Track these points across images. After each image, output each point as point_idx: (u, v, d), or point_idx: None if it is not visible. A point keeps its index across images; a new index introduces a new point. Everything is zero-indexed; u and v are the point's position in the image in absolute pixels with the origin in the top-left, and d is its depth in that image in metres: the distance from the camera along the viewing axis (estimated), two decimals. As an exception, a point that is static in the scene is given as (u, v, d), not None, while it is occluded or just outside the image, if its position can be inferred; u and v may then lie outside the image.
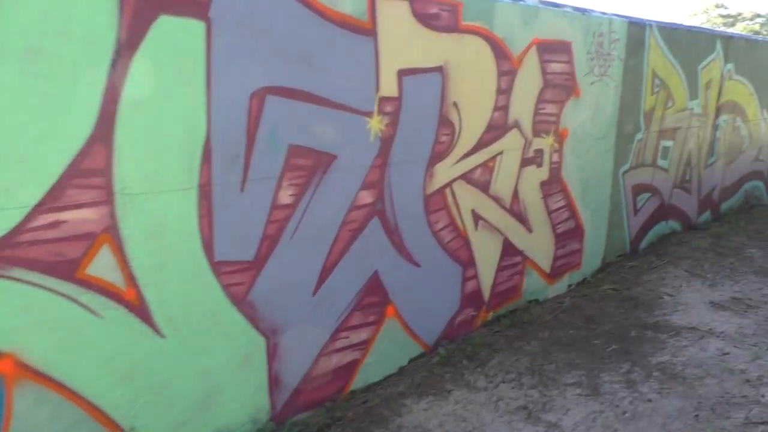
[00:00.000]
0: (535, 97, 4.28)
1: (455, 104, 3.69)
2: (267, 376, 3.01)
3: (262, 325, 2.96)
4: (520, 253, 4.47)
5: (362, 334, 3.46)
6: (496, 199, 4.16)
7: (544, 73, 4.29)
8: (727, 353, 3.85)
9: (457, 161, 3.81)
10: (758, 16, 35.32)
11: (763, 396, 3.40)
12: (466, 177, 3.89)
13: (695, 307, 4.70)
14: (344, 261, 3.28)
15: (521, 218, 4.41)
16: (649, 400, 3.38)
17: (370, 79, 3.19)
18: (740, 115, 7.31)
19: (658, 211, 6.13)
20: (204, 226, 2.64)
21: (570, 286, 5.09)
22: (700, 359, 3.81)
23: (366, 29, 3.10)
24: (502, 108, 4.02)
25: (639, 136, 5.55)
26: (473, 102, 3.81)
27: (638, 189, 5.74)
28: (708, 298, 4.88)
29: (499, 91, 3.97)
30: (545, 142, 4.46)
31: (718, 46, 6.48)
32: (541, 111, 4.36)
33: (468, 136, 3.83)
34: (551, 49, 4.31)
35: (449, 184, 3.79)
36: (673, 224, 6.50)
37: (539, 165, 4.46)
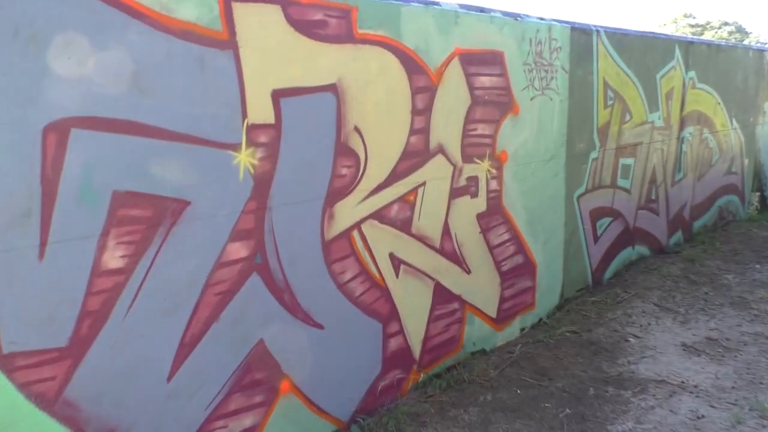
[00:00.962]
0: (463, 116, 3.67)
1: (357, 129, 3.05)
2: (101, 495, 2.29)
3: (90, 429, 2.25)
4: (457, 298, 3.81)
5: (246, 420, 2.76)
6: (422, 239, 3.51)
7: (471, 88, 3.69)
8: (703, 417, 3.19)
9: (366, 197, 3.15)
10: (726, 24, 35.69)
11: (746, 474, 2.75)
12: (379, 215, 3.23)
13: (665, 351, 4.05)
14: (212, 332, 2.59)
15: (455, 258, 3.75)
16: (607, 488, 2.70)
17: (232, 102, 2.54)
18: (707, 126, 6.78)
19: (622, 236, 5.52)
20: (-21, 309, 1.95)
21: (523, 329, 4.43)
22: (669, 426, 3.14)
23: (221, 41, 2.46)
24: (420, 131, 3.39)
25: (594, 154, 4.96)
26: (381, 125, 3.17)
27: (597, 213, 5.13)
28: (680, 338, 4.23)
29: (415, 112, 3.35)
30: (480, 168, 3.83)
31: (678, 52, 5.96)
32: (472, 132, 3.74)
33: (378, 167, 3.19)
34: (479, 61, 3.70)
35: (357, 225, 3.13)
36: (641, 249, 5.89)
37: (474, 195, 3.83)
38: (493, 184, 3.96)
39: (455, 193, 3.69)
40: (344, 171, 3.02)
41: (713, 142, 6.97)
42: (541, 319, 4.58)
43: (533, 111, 4.21)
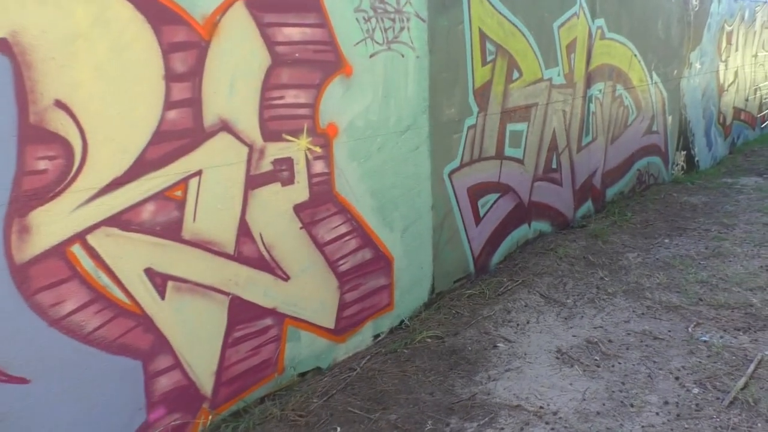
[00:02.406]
0: (259, 81, 2.79)
1: (62, 104, 2.16)
2: None
3: None
4: (269, 312, 3.02)
5: None
6: (202, 245, 2.68)
7: (270, 43, 2.80)
8: (545, 466, 2.53)
9: (91, 198, 2.29)
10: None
11: None
12: (119, 221, 2.38)
13: (535, 361, 3.38)
14: None
15: (262, 264, 2.95)
16: None
17: None
18: (621, 82, 6.06)
19: (513, 213, 4.81)
20: None
21: (378, 336, 3.70)
22: (502, 481, 2.47)
23: None
24: (184, 103, 2.51)
25: (470, 121, 4.16)
26: (111, 98, 2.29)
27: (479, 190, 4.38)
28: (556, 342, 3.57)
29: (172, 77, 2.46)
30: (294, 148, 2.99)
31: (581, -3, 5.16)
32: (276, 102, 2.88)
33: (110, 156, 2.31)
34: (279, 6, 2.81)
35: (79, 238, 2.27)
36: (540, 226, 5.20)
37: (287, 181, 2.99)
38: (318, 166, 3.13)
39: (255, 181, 2.85)
40: (42, 165, 2.14)
41: (629, 100, 6.27)
42: (402, 322, 3.85)
43: (375, 71, 3.36)
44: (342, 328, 3.44)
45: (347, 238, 3.37)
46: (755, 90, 10.18)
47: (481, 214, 4.44)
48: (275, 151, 2.91)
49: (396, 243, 3.71)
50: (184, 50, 2.48)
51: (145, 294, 2.50)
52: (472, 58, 4.06)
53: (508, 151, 4.61)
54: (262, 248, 2.93)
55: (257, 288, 2.94)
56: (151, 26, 2.37)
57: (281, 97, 2.89)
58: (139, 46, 2.34)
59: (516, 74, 4.52)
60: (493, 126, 4.39)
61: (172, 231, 2.55)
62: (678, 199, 6.58)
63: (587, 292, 4.21)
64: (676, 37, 6.95)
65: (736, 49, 8.98)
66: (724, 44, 8.45)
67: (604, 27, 5.56)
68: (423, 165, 3.82)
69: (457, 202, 4.17)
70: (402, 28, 3.48)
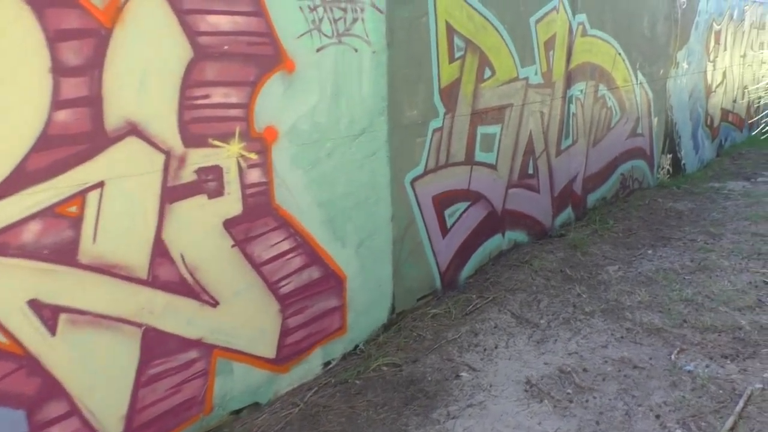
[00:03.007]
0: (179, 76, 2.40)
1: None
2: None
3: None
4: (194, 344, 2.63)
5: None
6: (106, 270, 2.28)
7: (192, 33, 2.41)
8: None
9: (-48, 218, 1.88)
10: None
11: None
12: (-6, 244, 1.98)
13: (501, 394, 3.02)
14: None
15: (185, 288, 2.55)
16: None
17: None
18: (604, 82, 5.71)
19: (485, 223, 4.44)
20: None
21: (328, 364, 3.32)
22: None
23: None
24: (79, 101, 2.11)
25: (436, 123, 3.79)
26: (-23, 96, 1.88)
27: (446, 199, 4.01)
28: (526, 372, 3.21)
29: (62, 70, 2.06)
30: (223, 154, 2.60)
31: (561, -10, 4.80)
32: (200, 101, 2.48)
33: (-23, 166, 1.91)
34: (201, -10, 2.42)
35: (-62, 266, 1.86)
36: (516, 235, 4.85)
37: (215, 193, 2.60)
38: (254, 175, 2.74)
39: (174, 193, 2.45)
40: None
41: (612, 101, 5.93)
42: (357, 346, 3.48)
43: (323, 67, 2.97)
44: (285, 357, 3.05)
45: (290, 255, 2.99)
46: (744, 91, 9.92)
47: (449, 225, 4.07)
48: (199, 158, 2.51)
49: (349, 259, 3.33)
50: (78, 39, 2.08)
51: (29, 330, 2.09)
52: (437, 54, 3.68)
53: (480, 155, 4.24)
54: (183, 271, 2.53)
55: (178, 317, 2.55)
56: (33, 9, 1.96)
57: (206, 96, 2.50)
58: (15, 32, 1.94)
59: (488, 72, 4.15)
60: (462, 129, 4.02)
61: (64, 254, 2.15)
62: (663, 206, 6.26)
63: (563, 311, 3.86)
64: (662, 36, 6.62)
65: (725, 49, 8.69)
66: (712, 44, 8.15)
67: (586, 23, 5.21)
68: (381, 172, 3.44)
69: (421, 212, 3.79)
70: (355, 20, 3.09)
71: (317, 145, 3.02)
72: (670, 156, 7.52)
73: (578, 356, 3.33)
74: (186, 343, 2.59)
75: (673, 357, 3.23)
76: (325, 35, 2.95)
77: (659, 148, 7.17)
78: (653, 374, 3.10)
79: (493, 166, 4.40)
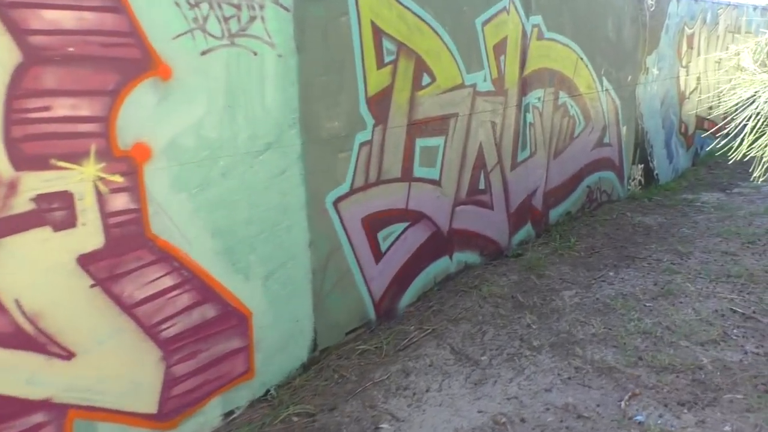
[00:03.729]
0: (2, 84, 1.96)
1: None
2: None
3: None
4: (40, 405, 2.18)
5: None
6: None
7: (18, 32, 1.97)
8: None
9: None
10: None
11: None
12: None
13: (420, 453, 2.59)
14: None
15: (23, 340, 2.11)
16: None
17: None
18: (565, 89, 5.34)
19: (428, 245, 4.03)
20: None
21: (230, 414, 2.88)
22: None
23: None
24: None
25: (363, 137, 3.38)
26: None
27: (379, 220, 3.59)
28: (456, 422, 2.79)
29: None
30: (74, 178, 2.16)
31: (511, -10, 4.41)
32: (36, 114, 2.04)
33: None
34: (32, -20, 1.98)
35: None
36: (465, 256, 4.44)
37: (65, 225, 2.16)
38: (120, 201, 2.31)
39: (2, 227, 2.01)
40: None
41: (575, 109, 5.56)
42: (268, 391, 3.04)
43: (211, 73, 2.54)
44: (171, 411, 2.61)
45: (174, 293, 2.55)
46: (719, 98, 9.60)
47: (383, 249, 3.65)
48: (38, 183, 2.08)
49: (255, 293, 2.90)
50: None
51: None
52: (363, 59, 3.27)
53: (419, 171, 3.83)
54: (20, 319, 2.09)
55: (15, 375, 2.10)
56: None
57: (45, 109, 2.06)
58: None
59: (427, 79, 3.74)
60: (396, 141, 3.61)
61: None
62: (631, 220, 5.89)
63: (508, 346, 3.45)
64: (629, 40, 6.27)
65: (698, 54, 8.37)
66: (684, 48, 7.83)
67: (542, 25, 4.83)
68: (294, 193, 3.02)
69: (348, 236, 3.37)
70: (253, 18, 2.67)
71: (207, 164, 2.59)
72: (641, 166, 7.16)
73: (518, 402, 2.91)
74: (26, 406, 2.14)
75: (623, 404, 2.82)
76: (213, 36, 2.52)
77: (629, 159, 6.81)
78: (599, 426, 2.69)
79: (436, 182, 3.99)
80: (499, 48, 4.36)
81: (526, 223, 5.12)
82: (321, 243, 3.21)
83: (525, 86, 4.73)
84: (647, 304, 3.88)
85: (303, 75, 2.95)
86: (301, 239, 3.10)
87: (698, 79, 8.53)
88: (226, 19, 2.56)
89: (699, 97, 8.64)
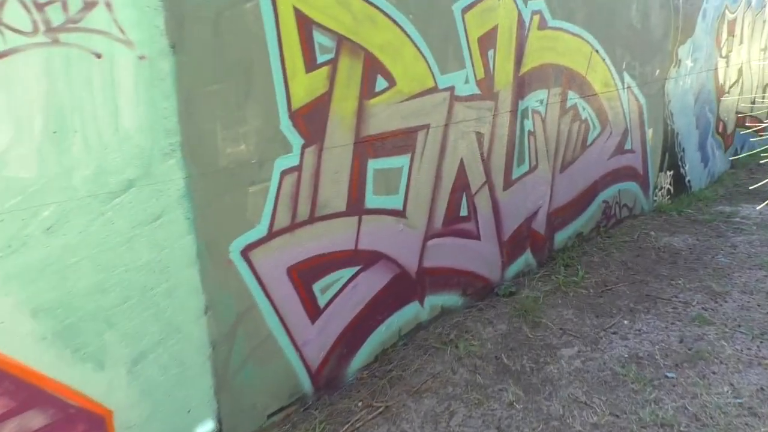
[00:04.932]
0: None
1: None
2: None
3: None
4: None
5: None
6: None
7: None
8: None
9: None
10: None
11: None
12: None
13: None
14: None
15: None
16: None
17: None
18: (575, 88, 4.41)
19: (390, 290, 3.19)
20: None
21: None
22: None
23: None
24: None
25: (286, 162, 2.55)
26: None
27: (313, 268, 2.77)
28: None
29: None
30: None
31: (503, -34, 3.50)
32: None
33: None
34: None
35: None
36: (442, 299, 3.59)
37: None
38: None
39: None
40: None
41: (588, 111, 4.62)
42: None
43: (18, 85, 1.75)
44: None
45: (-31, 403, 1.77)
46: (765, 91, 8.48)
47: (322, 304, 2.83)
48: None
49: (117, 385, 2.11)
50: None
51: None
52: (282, 59, 2.43)
53: (374, 200, 2.99)
54: None
55: None
56: None
57: None
58: None
59: (382, 83, 2.89)
60: (338, 165, 2.77)
61: None
62: (655, 242, 4.94)
63: (479, 438, 2.61)
64: (658, 27, 5.28)
65: (741, 42, 7.29)
66: (724, 36, 6.76)
67: (545, 11, 3.91)
68: (176, 245, 2.21)
69: (266, 292, 2.56)
70: (90, 5, 1.86)
71: (19, 217, 1.80)
72: (670, 173, 6.18)
73: None
74: None
75: None
76: (16, 31, 1.72)
77: (656, 165, 5.84)
78: None
79: (398, 213, 3.15)
80: (487, 41, 3.46)
81: (525, 252, 4.24)
82: (224, 306, 2.41)
83: (522, 87, 3.83)
84: (669, 375, 2.99)
85: (183, 84, 2.13)
86: (191, 304, 2.30)
87: (740, 70, 7.44)
88: (41, 7, 1.76)
89: (741, 91, 7.55)
